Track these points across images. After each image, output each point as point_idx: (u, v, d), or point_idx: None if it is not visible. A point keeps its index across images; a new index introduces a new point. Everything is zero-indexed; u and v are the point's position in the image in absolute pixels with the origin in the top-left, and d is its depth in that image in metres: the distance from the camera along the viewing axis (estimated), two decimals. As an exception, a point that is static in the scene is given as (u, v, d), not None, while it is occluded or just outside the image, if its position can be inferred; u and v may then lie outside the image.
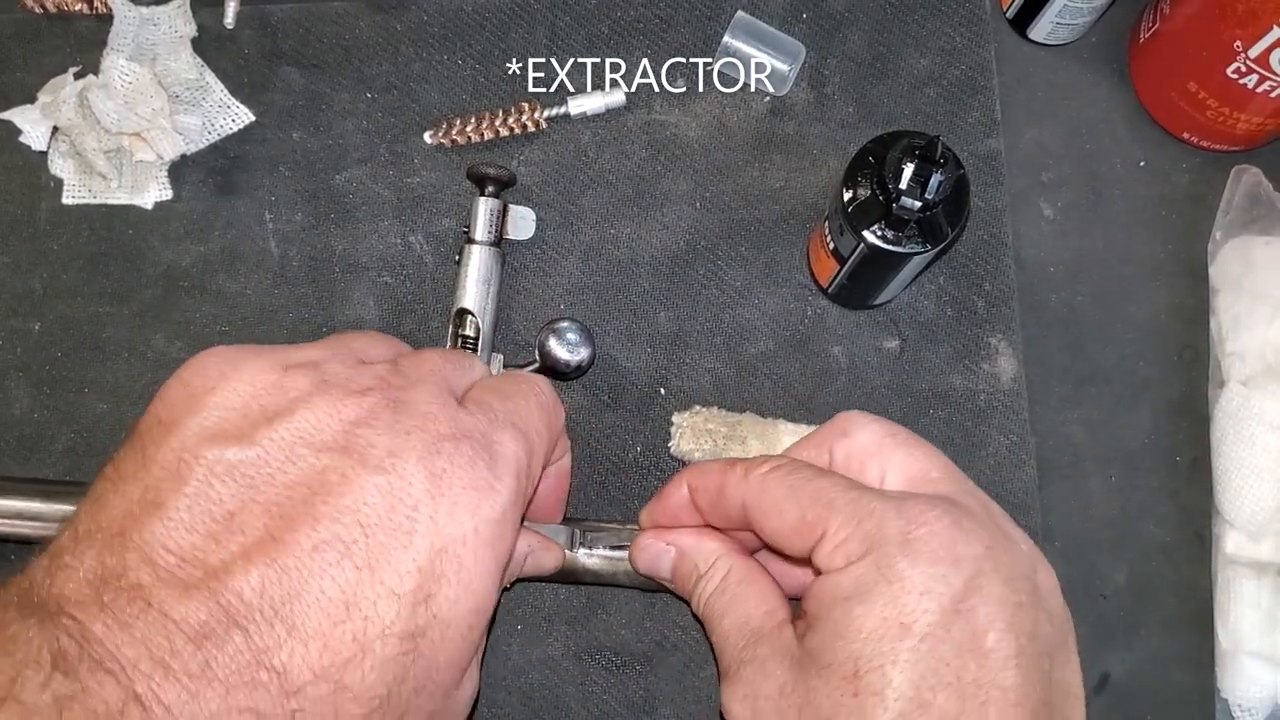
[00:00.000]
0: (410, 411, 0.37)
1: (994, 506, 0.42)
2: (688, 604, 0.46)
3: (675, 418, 0.55)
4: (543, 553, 0.48)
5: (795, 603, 0.42)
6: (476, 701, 0.41)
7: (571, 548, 0.50)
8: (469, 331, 0.54)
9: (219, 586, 0.32)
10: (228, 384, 0.36)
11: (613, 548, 0.50)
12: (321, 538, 0.33)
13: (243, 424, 0.35)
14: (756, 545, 0.46)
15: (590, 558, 0.50)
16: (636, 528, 0.49)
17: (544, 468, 0.44)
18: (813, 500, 0.40)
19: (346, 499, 0.34)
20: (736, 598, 0.42)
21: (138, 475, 0.34)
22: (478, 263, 0.55)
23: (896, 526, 0.37)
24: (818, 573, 0.39)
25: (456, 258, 0.56)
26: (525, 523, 0.48)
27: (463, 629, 0.36)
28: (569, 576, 0.50)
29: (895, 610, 0.36)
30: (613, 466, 0.56)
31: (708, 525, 0.46)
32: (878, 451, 0.42)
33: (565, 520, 0.51)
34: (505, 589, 0.47)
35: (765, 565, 0.44)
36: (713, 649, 0.43)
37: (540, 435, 0.41)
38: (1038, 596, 0.38)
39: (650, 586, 0.50)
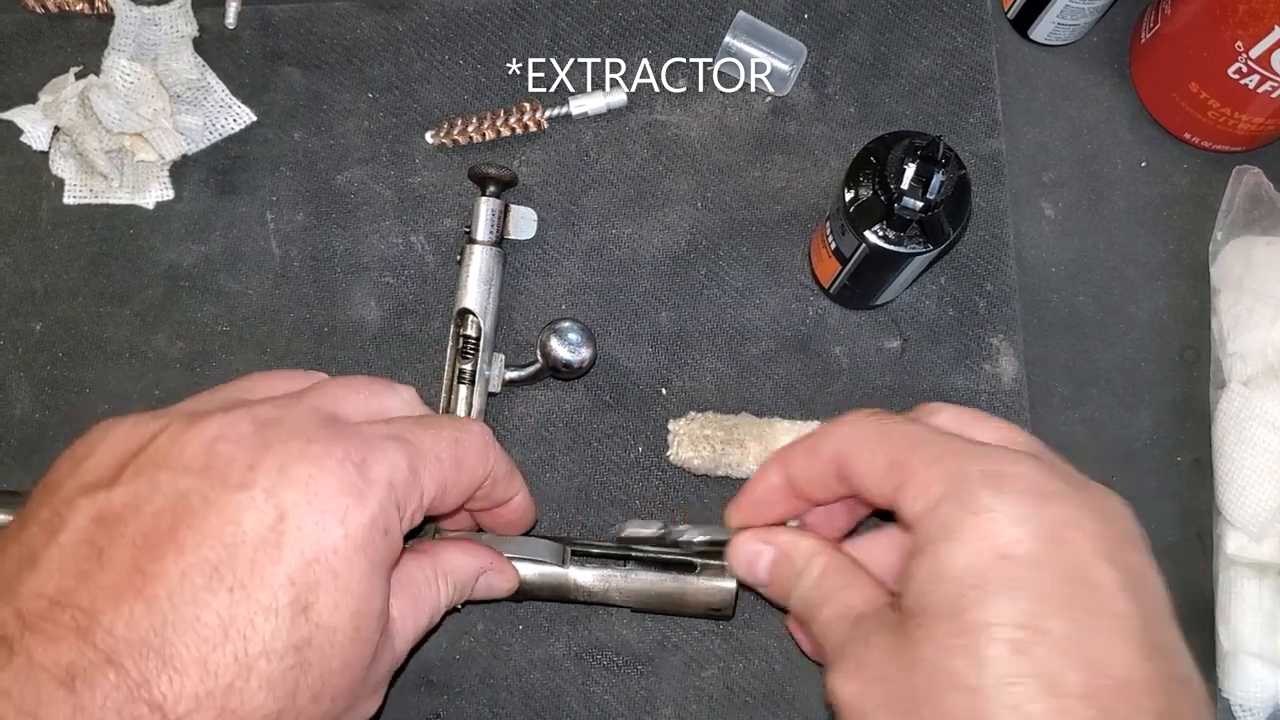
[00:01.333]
0: (277, 426, 0.36)
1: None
2: (777, 608, 0.45)
3: (671, 425, 0.55)
4: (496, 575, 0.48)
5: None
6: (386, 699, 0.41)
7: (563, 564, 0.49)
8: (470, 331, 0.54)
9: (90, 625, 0.31)
10: (103, 443, 0.37)
11: (601, 573, 0.50)
12: (188, 563, 0.33)
13: (112, 469, 0.35)
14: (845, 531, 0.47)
15: (583, 574, 0.49)
16: (626, 546, 0.50)
17: (456, 499, 0.42)
18: (901, 440, 0.39)
19: (210, 520, 0.33)
20: (836, 588, 0.41)
21: (18, 537, 0.34)
22: (479, 263, 0.55)
23: (980, 464, 0.37)
24: (905, 526, 0.38)
25: (458, 258, 0.56)
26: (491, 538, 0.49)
27: (348, 632, 0.35)
28: (560, 594, 0.50)
29: (990, 541, 0.35)
30: (614, 467, 0.56)
31: (796, 524, 0.46)
32: (959, 428, 0.41)
33: (554, 537, 0.51)
34: (455, 610, 0.46)
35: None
36: (810, 651, 0.43)
37: (440, 460, 0.40)
38: (1137, 539, 0.37)
39: (644, 606, 0.50)
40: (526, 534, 0.50)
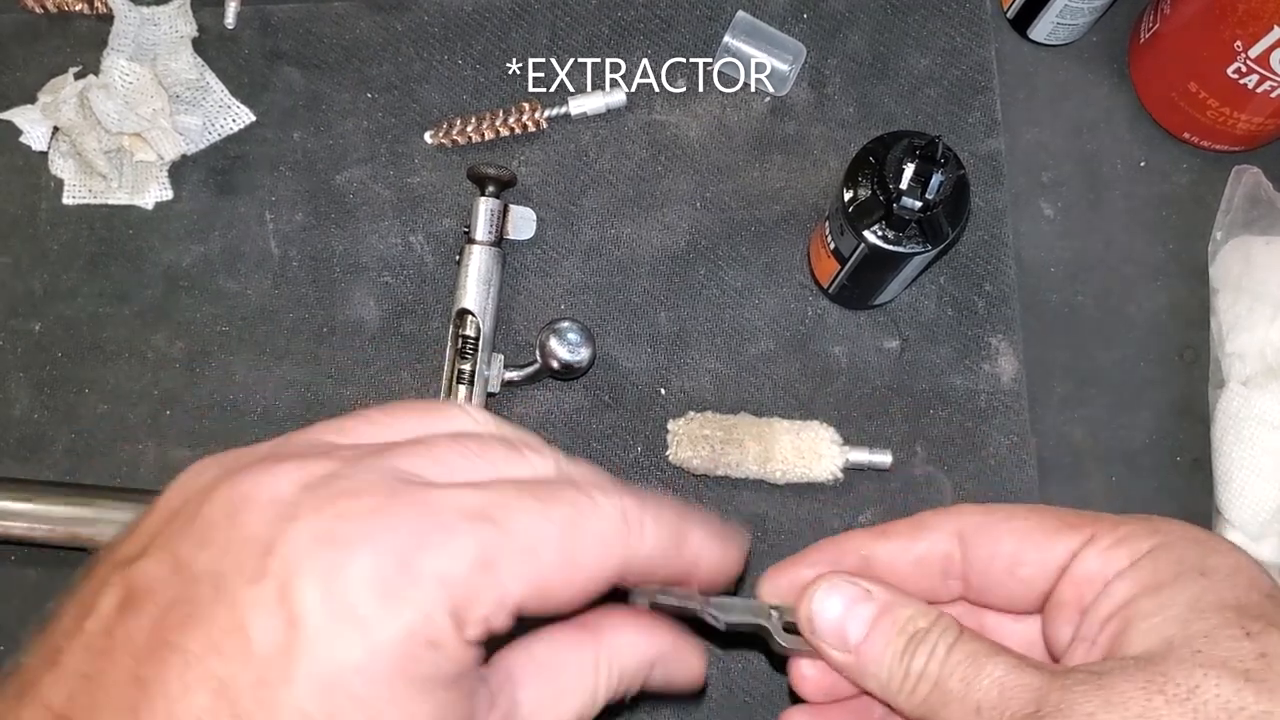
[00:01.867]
0: (324, 489, 0.28)
1: None
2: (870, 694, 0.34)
3: (670, 425, 0.55)
4: (676, 663, 0.34)
5: None
6: None
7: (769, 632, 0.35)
8: (469, 332, 0.54)
9: None
10: (165, 494, 0.31)
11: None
12: (192, 679, 0.26)
13: (151, 533, 0.30)
14: None
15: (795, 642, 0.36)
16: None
17: (571, 600, 0.30)
18: (1066, 512, 0.34)
19: (217, 620, 0.27)
20: (986, 659, 0.31)
21: (65, 609, 0.29)
22: (478, 263, 0.55)
23: (1171, 526, 0.33)
24: (1075, 604, 0.32)
25: (457, 258, 0.56)
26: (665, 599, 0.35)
27: None
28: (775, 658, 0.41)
29: (1246, 577, 0.30)
30: (613, 467, 0.56)
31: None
32: None
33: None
34: (621, 701, 0.34)
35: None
36: None
37: (534, 553, 0.29)
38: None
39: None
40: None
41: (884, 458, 0.54)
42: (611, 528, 0.30)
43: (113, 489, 0.55)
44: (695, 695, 0.39)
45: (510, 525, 0.28)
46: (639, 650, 0.34)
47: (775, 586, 0.36)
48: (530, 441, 0.32)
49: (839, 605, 0.34)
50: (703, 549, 0.33)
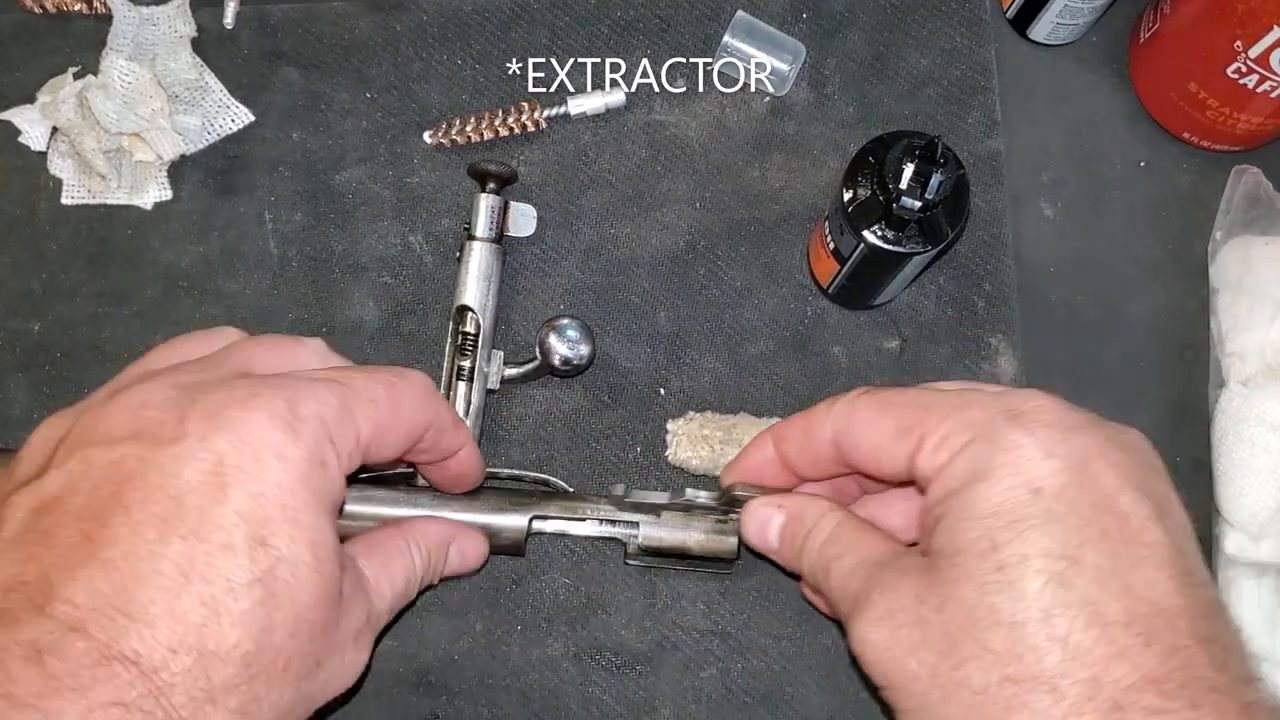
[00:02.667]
0: (202, 384, 0.36)
1: None
2: (790, 575, 0.46)
3: (670, 425, 0.55)
4: (466, 543, 0.49)
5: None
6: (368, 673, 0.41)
7: (527, 536, 0.51)
8: (469, 328, 0.54)
9: (47, 600, 0.31)
10: (30, 442, 0.38)
11: (566, 507, 0.51)
12: (136, 521, 0.33)
13: (40, 462, 0.36)
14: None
15: (545, 522, 0.51)
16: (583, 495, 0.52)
17: (396, 444, 0.41)
18: (908, 406, 0.39)
19: (150, 478, 0.34)
20: (852, 542, 0.41)
21: None
22: (478, 259, 0.55)
23: (1000, 406, 0.37)
24: (923, 484, 0.39)
25: (457, 254, 0.56)
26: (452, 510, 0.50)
27: (310, 562, 0.35)
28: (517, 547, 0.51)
29: (1021, 476, 0.35)
30: (612, 466, 0.56)
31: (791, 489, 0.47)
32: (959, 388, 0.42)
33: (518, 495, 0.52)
34: (431, 587, 0.48)
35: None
36: (822, 608, 0.43)
37: (375, 402, 0.39)
38: (1157, 467, 0.38)
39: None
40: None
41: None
42: (421, 390, 0.42)
43: None
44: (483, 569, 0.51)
45: (354, 385, 0.39)
46: (437, 534, 0.47)
47: (728, 474, 0.50)
48: (301, 337, 0.42)
49: (758, 523, 0.46)
50: (467, 438, 0.47)
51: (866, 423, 0.41)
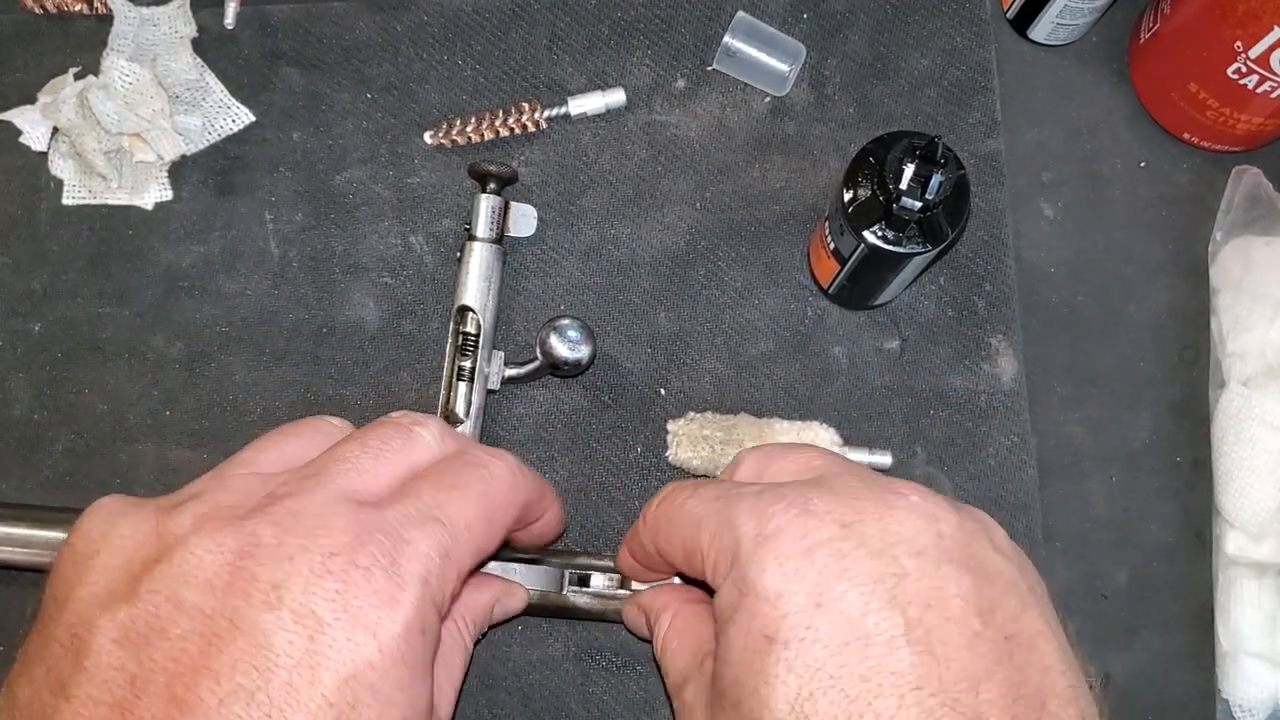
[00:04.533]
0: (296, 529, 0.34)
1: (874, 474, 0.39)
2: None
3: (670, 426, 0.55)
4: (508, 599, 0.49)
5: None
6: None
7: (561, 589, 0.50)
8: (470, 328, 0.54)
9: None
10: (109, 542, 0.35)
11: (597, 596, 0.50)
12: (225, 691, 0.31)
13: (127, 580, 0.34)
14: None
15: (580, 597, 0.50)
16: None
17: (491, 551, 0.41)
18: (687, 524, 0.39)
19: (240, 644, 0.32)
20: (675, 649, 0.42)
21: (40, 656, 0.34)
22: (479, 259, 0.55)
23: (748, 530, 0.36)
24: None
25: (458, 255, 0.56)
26: (504, 558, 0.50)
27: None
28: (565, 614, 0.51)
29: (758, 623, 0.34)
30: (613, 467, 0.56)
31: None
32: (760, 473, 0.41)
33: (556, 554, 0.51)
34: (478, 640, 0.47)
35: None
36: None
37: (471, 530, 0.38)
38: (939, 553, 0.34)
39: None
40: (521, 550, 0.51)
41: (884, 458, 0.54)
42: (507, 486, 0.41)
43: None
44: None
45: (449, 518, 0.37)
46: (482, 602, 0.47)
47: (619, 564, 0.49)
48: (409, 418, 0.41)
49: (630, 619, 0.49)
50: (551, 498, 0.47)
51: (665, 543, 0.41)
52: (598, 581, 0.50)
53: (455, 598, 0.38)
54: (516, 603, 0.49)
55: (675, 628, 0.43)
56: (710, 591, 0.38)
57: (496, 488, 0.40)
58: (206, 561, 0.34)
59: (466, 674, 0.45)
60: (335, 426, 0.42)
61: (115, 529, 0.36)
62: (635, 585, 0.50)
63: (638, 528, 0.44)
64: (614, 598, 0.50)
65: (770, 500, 0.36)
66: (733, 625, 0.35)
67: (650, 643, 0.48)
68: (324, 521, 0.35)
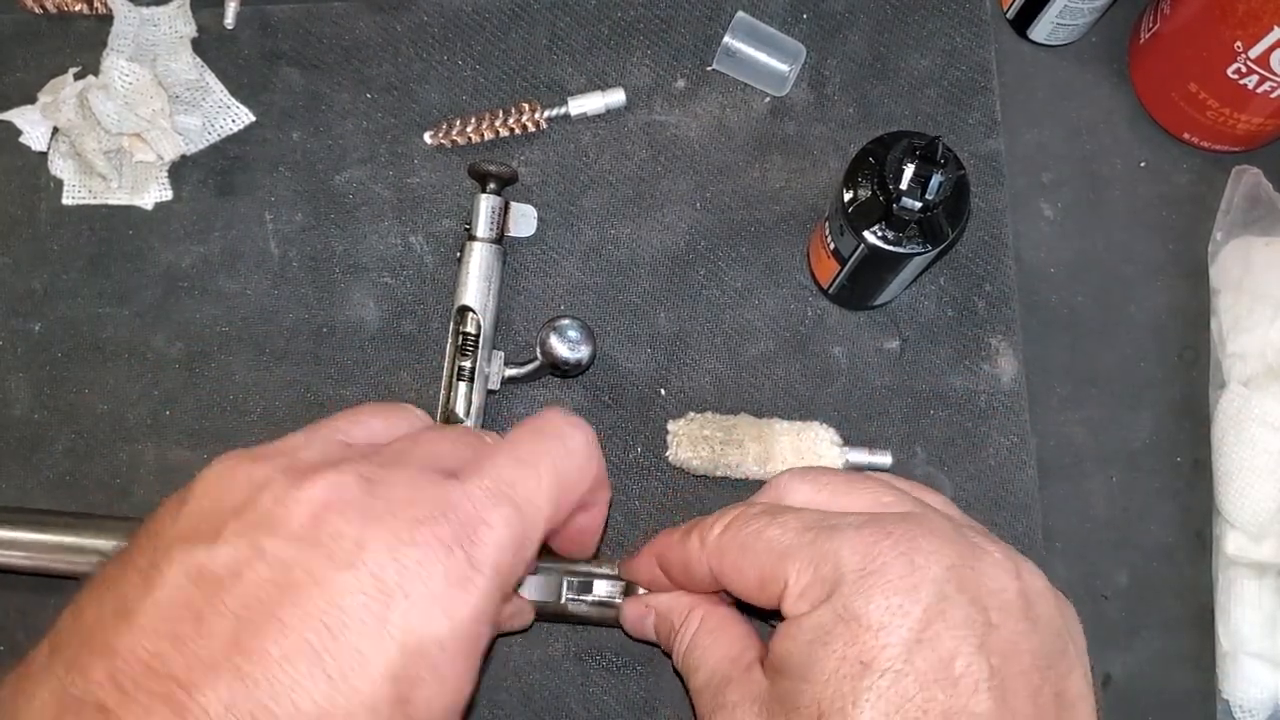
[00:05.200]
0: (385, 493, 0.34)
1: (960, 519, 0.41)
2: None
3: (671, 426, 0.55)
4: (521, 615, 0.49)
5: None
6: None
7: (560, 598, 0.50)
8: (470, 328, 0.54)
9: (185, 700, 0.30)
10: (203, 485, 0.35)
11: (598, 604, 0.50)
12: (291, 645, 0.31)
13: (212, 522, 0.34)
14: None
15: (579, 605, 0.50)
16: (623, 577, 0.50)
17: (559, 525, 0.40)
18: (767, 553, 0.40)
19: (315, 599, 0.32)
20: (708, 648, 0.43)
21: (115, 583, 0.33)
22: (479, 259, 0.55)
23: (852, 562, 0.37)
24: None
25: (458, 255, 0.56)
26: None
27: None
28: (564, 620, 0.51)
29: (855, 649, 0.36)
30: (613, 468, 0.56)
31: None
32: (828, 501, 0.42)
33: (553, 559, 0.51)
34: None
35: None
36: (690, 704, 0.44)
37: (541, 511, 0.37)
38: (1016, 610, 0.37)
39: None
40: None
41: (884, 458, 0.54)
42: (581, 462, 0.40)
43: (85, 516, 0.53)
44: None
45: (527, 501, 0.36)
46: (504, 611, 0.45)
47: (626, 570, 0.50)
48: (481, 435, 0.41)
49: (632, 621, 0.49)
50: (607, 488, 0.44)
51: (733, 569, 0.41)
52: (599, 589, 0.50)
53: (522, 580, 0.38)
54: (522, 619, 0.49)
55: (707, 628, 0.44)
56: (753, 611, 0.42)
57: (570, 465, 0.39)
58: (292, 510, 0.33)
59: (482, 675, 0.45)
60: (419, 417, 0.42)
61: (214, 476, 0.36)
62: (640, 593, 0.49)
63: (685, 547, 0.43)
64: (614, 605, 0.50)
65: (876, 535, 0.37)
66: (825, 648, 0.36)
67: (651, 644, 0.49)
68: (413, 490, 0.35)
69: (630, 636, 0.50)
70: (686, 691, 0.45)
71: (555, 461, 0.38)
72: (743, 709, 0.38)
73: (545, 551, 0.42)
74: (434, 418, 0.55)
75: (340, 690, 0.31)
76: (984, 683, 0.35)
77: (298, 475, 0.34)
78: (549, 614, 0.51)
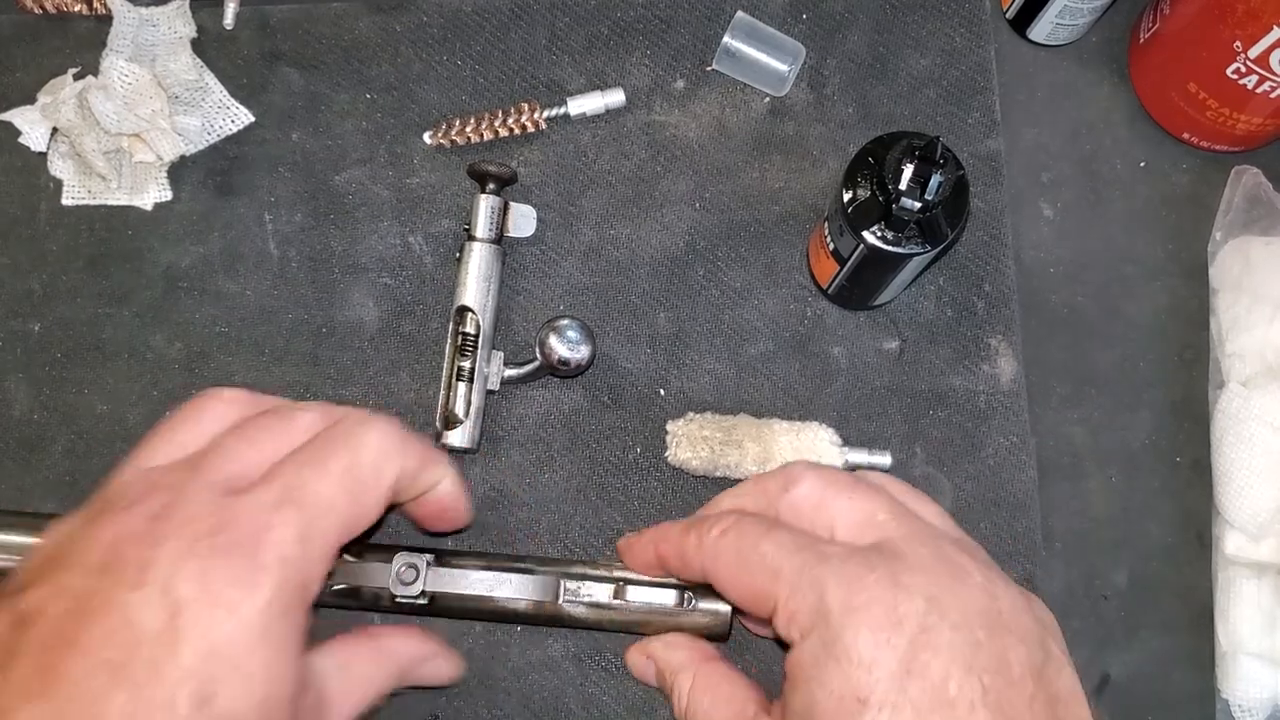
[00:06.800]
0: (170, 517, 0.38)
1: (942, 541, 0.42)
2: None
3: (670, 426, 0.55)
4: (439, 662, 0.49)
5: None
6: None
7: (557, 599, 0.50)
8: (469, 329, 0.54)
9: None
10: (37, 548, 0.39)
11: (594, 606, 0.50)
12: (90, 664, 0.34)
13: (33, 573, 0.38)
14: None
15: (576, 607, 0.50)
16: (619, 573, 0.50)
17: (367, 522, 0.43)
18: (760, 568, 0.41)
19: (109, 620, 0.35)
20: (707, 707, 0.44)
21: None
22: (478, 260, 0.55)
23: (838, 596, 0.38)
24: (782, 642, 0.41)
25: (457, 255, 0.56)
26: (497, 568, 0.50)
27: (255, 718, 0.36)
28: (559, 623, 0.51)
29: (850, 686, 0.37)
30: (612, 468, 0.56)
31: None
32: (820, 503, 0.43)
33: (551, 562, 0.51)
34: (394, 694, 0.47)
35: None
36: None
37: (334, 508, 0.40)
38: (1000, 626, 0.39)
39: (635, 630, 0.51)
40: (517, 559, 0.51)
41: (883, 459, 0.54)
42: (377, 455, 0.42)
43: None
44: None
45: (310, 500, 0.39)
46: (410, 652, 0.48)
47: (624, 554, 0.50)
48: (293, 404, 0.44)
49: (638, 670, 0.50)
50: (443, 469, 0.46)
51: (727, 576, 0.43)
52: (594, 592, 0.50)
53: (324, 578, 0.40)
54: (449, 670, 0.50)
55: (700, 687, 0.45)
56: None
57: (364, 458, 0.42)
58: (87, 547, 0.37)
59: (375, 712, 0.46)
60: (226, 401, 0.44)
61: (45, 539, 0.40)
62: (631, 595, 0.49)
63: (684, 542, 0.45)
64: (610, 608, 0.50)
65: (860, 569, 0.39)
66: (817, 684, 0.37)
67: (652, 688, 0.50)
68: (192, 510, 0.38)
69: (639, 681, 0.51)
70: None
71: (346, 458, 0.41)
72: None
73: (542, 560, 0.43)
74: (434, 418, 0.55)
75: (141, 698, 0.34)
76: (979, 701, 0.36)
77: (95, 516, 0.39)
78: (545, 617, 0.50)
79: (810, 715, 0.37)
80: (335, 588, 0.49)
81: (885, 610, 0.38)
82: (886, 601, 0.38)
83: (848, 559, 0.39)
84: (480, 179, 0.56)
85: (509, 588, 0.50)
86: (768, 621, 0.41)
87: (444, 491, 0.47)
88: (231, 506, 0.39)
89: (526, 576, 0.50)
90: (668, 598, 0.49)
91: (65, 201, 0.59)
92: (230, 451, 0.41)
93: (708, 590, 0.47)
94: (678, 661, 0.47)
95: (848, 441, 0.55)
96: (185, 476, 0.40)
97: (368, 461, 0.42)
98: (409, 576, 0.49)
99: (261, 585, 0.37)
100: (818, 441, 0.54)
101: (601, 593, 0.50)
